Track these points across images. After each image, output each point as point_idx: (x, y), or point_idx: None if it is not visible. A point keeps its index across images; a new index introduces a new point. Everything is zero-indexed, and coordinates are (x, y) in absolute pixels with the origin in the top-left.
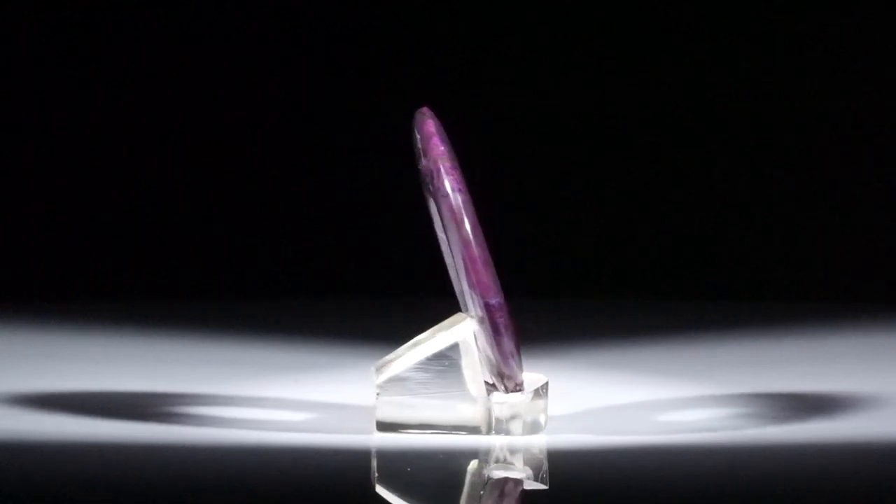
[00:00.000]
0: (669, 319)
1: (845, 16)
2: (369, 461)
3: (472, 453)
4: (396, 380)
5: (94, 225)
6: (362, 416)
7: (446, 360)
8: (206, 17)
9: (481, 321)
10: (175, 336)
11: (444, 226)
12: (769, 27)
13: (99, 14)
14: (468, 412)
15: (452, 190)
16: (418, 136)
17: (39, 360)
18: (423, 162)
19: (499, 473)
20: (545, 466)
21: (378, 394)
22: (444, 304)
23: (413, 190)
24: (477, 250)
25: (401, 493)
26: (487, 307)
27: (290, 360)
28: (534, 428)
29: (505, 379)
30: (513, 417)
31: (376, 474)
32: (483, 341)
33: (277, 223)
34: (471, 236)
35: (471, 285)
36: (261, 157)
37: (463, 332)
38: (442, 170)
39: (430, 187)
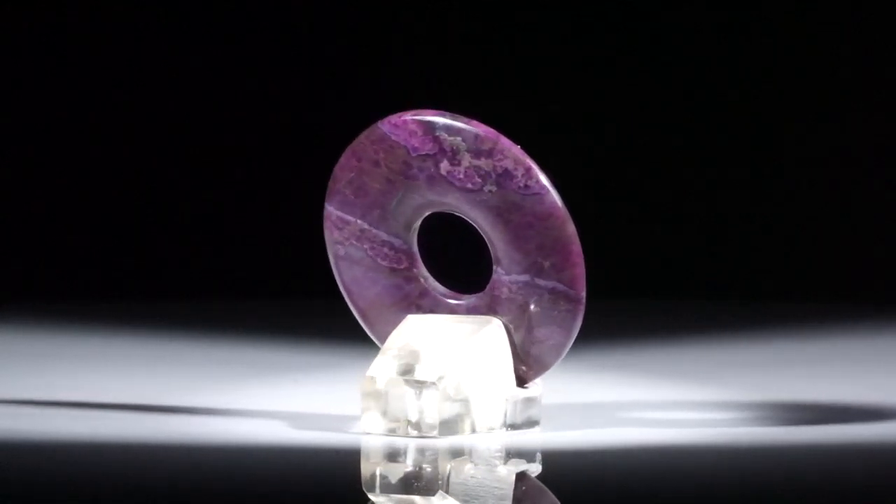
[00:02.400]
0: (670, 320)
1: (848, 16)
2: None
3: (506, 451)
4: (456, 380)
5: (94, 225)
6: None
7: (492, 358)
8: (206, 19)
9: (552, 314)
10: (175, 336)
11: (523, 223)
12: (769, 26)
13: (99, 14)
14: (506, 408)
15: (551, 187)
16: (460, 137)
17: (38, 360)
18: (476, 161)
19: (524, 469)
20: (539, 462)
21: (440, 397)
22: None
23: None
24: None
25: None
26: (578, 301)
27: (289, 361)
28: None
29: (531, 373)
30: (531, 410)
31: (444, 481)
32: (538, 335)
33: (276, 224)
34: (575, 232)
35: (566, 280)
36: (260, 158)
37: (501, 328)
38: (533, 167)
39: (496, 186)
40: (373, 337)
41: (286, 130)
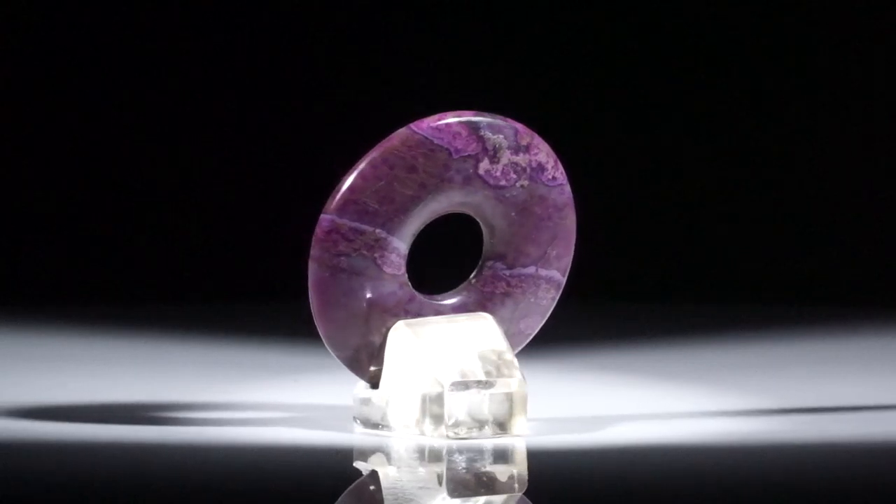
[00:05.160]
0: (669, 321)
1: (848, 16)
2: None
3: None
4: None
5: (92, 225)
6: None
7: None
8: (206, 19)
9: (542, 303)
10: (174, 337)
11: (544, 214)
12: (769, 26)
13: (99, 14)
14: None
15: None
16: (502, 135)
17: (37, 361)
18: (515, 157)
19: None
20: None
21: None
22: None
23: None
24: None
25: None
26: (562, 287)
27: (288, 361)
28: None
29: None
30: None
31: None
32: (521, 325)
33: (276, 225)
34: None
35: (562, 268)
36: (260, 158)
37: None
38: (559, 161)
39: (528, 180)
40: (338, 352)
41: (286, 130)
